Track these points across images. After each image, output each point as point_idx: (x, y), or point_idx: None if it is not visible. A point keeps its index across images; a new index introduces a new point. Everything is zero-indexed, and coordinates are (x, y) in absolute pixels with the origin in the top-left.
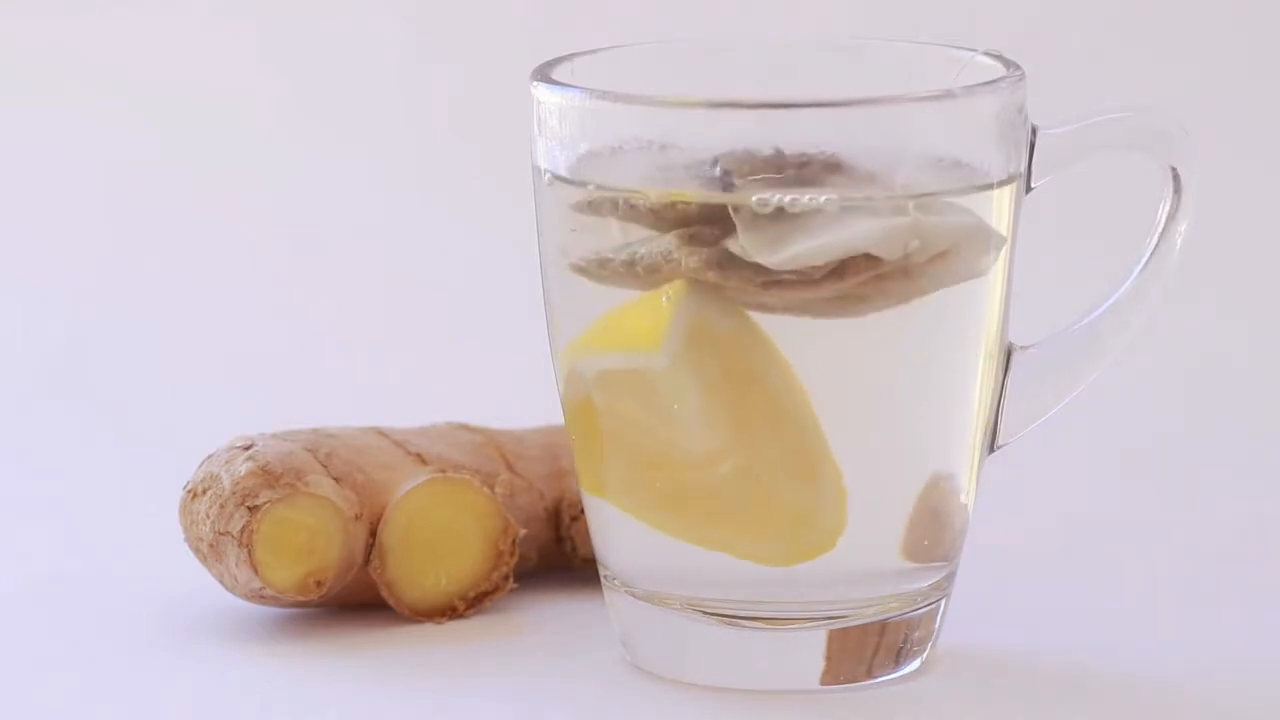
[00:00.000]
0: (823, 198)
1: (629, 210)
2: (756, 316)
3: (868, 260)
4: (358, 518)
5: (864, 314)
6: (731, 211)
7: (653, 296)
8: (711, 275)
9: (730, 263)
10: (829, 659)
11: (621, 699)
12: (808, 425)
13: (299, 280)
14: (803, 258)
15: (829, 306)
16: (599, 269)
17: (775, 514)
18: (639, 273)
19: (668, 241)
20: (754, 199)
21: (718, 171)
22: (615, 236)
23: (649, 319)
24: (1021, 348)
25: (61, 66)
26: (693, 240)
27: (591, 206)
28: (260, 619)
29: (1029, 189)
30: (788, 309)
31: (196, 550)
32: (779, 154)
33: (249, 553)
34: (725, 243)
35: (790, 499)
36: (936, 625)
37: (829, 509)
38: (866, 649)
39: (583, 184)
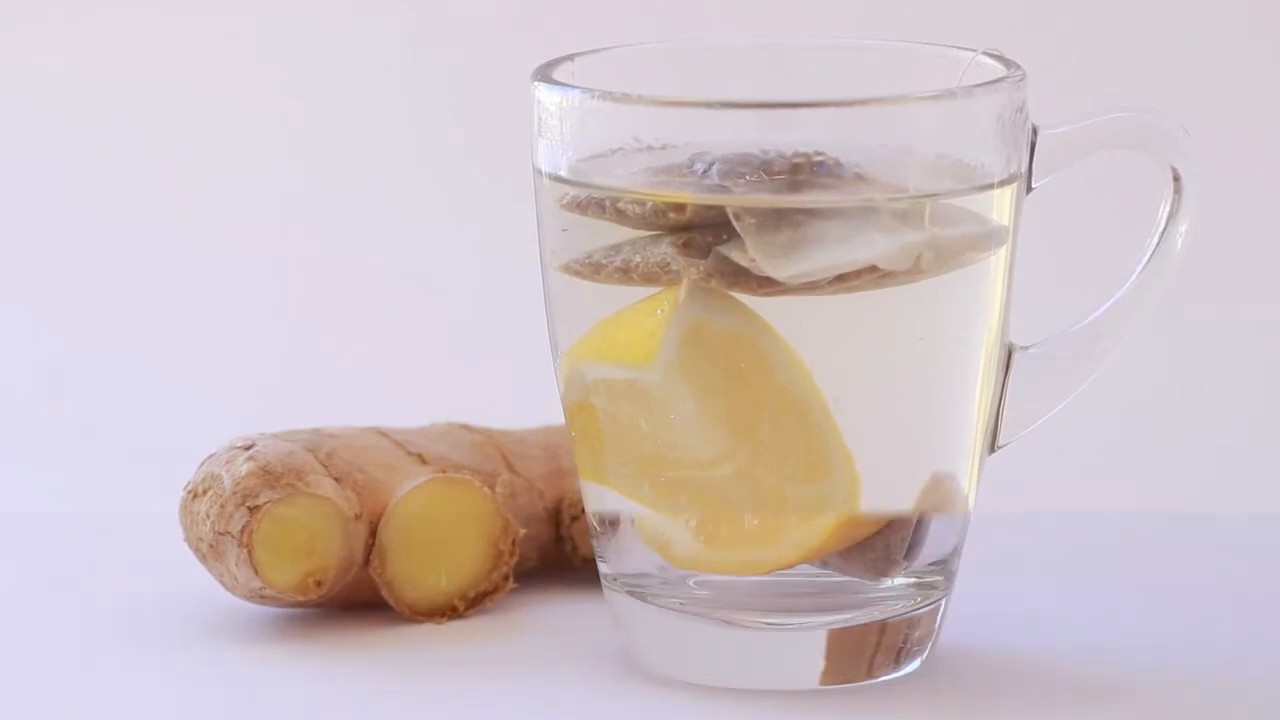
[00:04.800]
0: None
1: (616, 214)
2: (755, 303)
3: (874, 268)
4: (358, 518)
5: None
6: (733, 219)
7: (647, 307)
8: (715, 284)
9: (734, 271)
10: (829, 659)
11: (621, 699)
12: (816, 415)
13: (299, 280)
14: (813, 274)
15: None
16: (593, 273)
17: (784, 509)
18: (634, 279)
19: (663, 251)
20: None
21: (713, 175)
22: (606, 238)
23: (643, 331)
24: (1021, 348)
25: (62, 69)
26: (687, 246)
27: (580, 208)
28: (260, 619)
29: (1029, 189)
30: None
31: (196, 550)
32: (779, 156)
33: (249, 553)
34: (728, 251)
35: (800, 494)
36: (936, 625)
37: (840, 501)
38: (866, 649)
39: (574, 185)
